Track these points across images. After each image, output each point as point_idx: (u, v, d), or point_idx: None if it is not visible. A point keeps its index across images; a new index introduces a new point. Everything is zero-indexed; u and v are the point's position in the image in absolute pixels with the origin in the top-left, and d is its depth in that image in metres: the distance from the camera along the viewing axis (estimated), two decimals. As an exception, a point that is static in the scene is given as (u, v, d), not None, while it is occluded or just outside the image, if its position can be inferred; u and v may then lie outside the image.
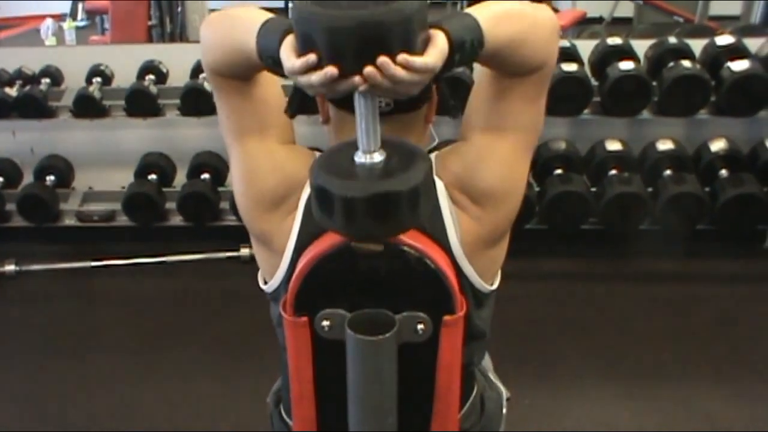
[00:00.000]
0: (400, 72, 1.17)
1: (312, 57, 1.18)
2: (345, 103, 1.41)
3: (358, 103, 1.26)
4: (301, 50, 1.21)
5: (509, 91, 1.47)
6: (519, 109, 1.49)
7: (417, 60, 1.18)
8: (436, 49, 1.22)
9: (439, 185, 1.50)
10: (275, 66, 1.29)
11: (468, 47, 1.27)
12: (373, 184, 1.25)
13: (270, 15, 1.36)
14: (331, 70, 1.17)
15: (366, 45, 1.18)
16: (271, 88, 1.53)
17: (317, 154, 1.57)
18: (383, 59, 1.17)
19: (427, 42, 1.22)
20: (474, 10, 1.32)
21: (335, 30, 1.17)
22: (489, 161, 1.50)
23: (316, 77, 1.19)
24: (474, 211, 1.51)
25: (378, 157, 1.29)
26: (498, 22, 1.33)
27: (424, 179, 1.27)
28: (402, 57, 1.17)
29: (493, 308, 1.67)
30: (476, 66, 1.45)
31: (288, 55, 1.23)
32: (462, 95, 1.57)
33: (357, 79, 1.18)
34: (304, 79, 1.21)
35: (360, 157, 1.30)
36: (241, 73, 1.46)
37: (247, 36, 1.33)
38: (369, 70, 1.17)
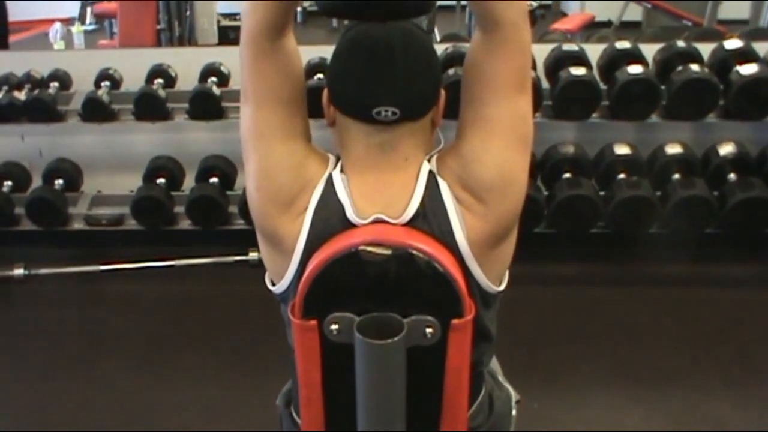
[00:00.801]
0: None
1: None
2: (349, 111, 1.49)
3: None
4: None
5: (491, 77, 1.50)
6: (503, 95, 1.51)
7: None
8: None
9: (443, 185, 1.52)
10: None
11: None
12: None
13: None
14: None
15: None
16: (301, 79, 1.58)
17: (331, 156, 1.60)
18: None
19: None
20: None
21: None
22: (484, 154, 1.52)
23: None
24: (478, 208, 1.52)
25: None
26: None
27: None
28: None
29: (498, 308, 1.68)
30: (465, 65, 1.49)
31: None
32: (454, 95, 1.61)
33: None
34: None
35: None
36: (282, 14, 1.48)
37: None
38: None
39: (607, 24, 8.15)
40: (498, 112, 1.51)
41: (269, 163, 1.55)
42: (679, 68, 4.13)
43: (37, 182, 4.71)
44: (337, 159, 1.60)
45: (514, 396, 1.91)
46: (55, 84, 4.68)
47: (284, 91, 1.54)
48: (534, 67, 4.05)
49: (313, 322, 1.46)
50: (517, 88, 1.52)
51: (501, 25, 1.45)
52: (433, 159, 1.60)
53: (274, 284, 1.63)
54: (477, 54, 1.52)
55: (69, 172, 4.72)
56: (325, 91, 1.58)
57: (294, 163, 1.55)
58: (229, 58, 4.55)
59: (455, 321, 1.44)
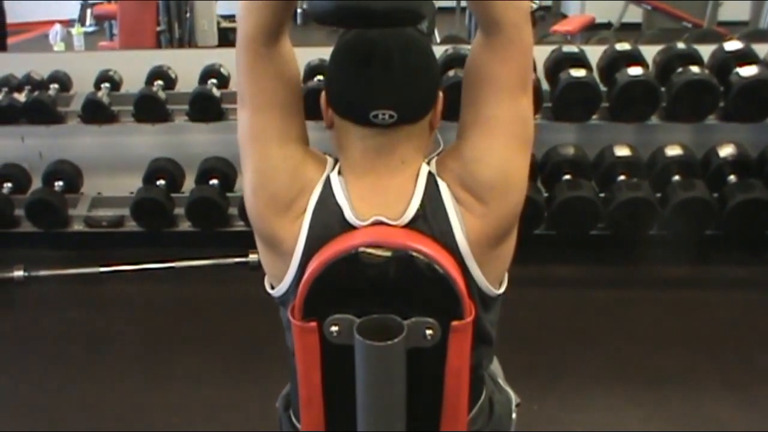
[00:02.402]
0: None
1: None
2: (347, 113, 1.49)
3: None
4: None
5: (493, 79, 1.50)
6: (505, 97, 1.51)
7: None
8: None
9: (443, 186, 1.52)
10: None
11: None
12: None
13: None
14: None
15: None
16: (297, 89, 1.58)
17: (329, 158, 1.60)
18: None
19: None
20: None
21: None
22: (484, 154, 1.52)
23: None
24: (478, 208, 1.52)
25: None
26: None
27: None
28: None
29: (498, 312, 1.68)
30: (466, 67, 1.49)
31: None
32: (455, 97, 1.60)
33: None
34: None
35: None
36: (279, 15, 1.48)
37: None
38: None
39: (607, 26, 8.17)
40: (499, 113, 1.51)
41: (266, 166, 1.55)
42: (679, 70, 4.13)
43: (37, 184, 4.72)
44: (335, 161, 1.60)
45: (514, 399, 1.90)
46: (55, 86, 4.69)
47: (280, 96, 1.54)
48: (534, 69, 4.05)
49: (313, 324, 1.46)
50: (519, 89, 1.52)
51: (502, 27, 1.45)
52: (433, 161, 1.60)
53: (273, 288, 1.63)
54: (478, 55, 1.52)
55: (69, 173, 4.72)
56: (323, 93, 1.58)
57: (290, 167, 1.55)
58: (229, 60, 4.49)
59: (455, 323, 1.44)
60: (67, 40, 8.77)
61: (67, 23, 9.23)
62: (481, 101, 1.52)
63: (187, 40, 6.40)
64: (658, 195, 4.18)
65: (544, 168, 4.30)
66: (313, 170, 1.56)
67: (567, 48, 4.51)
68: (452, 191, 1.52)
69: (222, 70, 4.56)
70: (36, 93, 4.56)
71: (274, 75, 1.52)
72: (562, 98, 4.12)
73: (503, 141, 1.52)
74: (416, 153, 1.56)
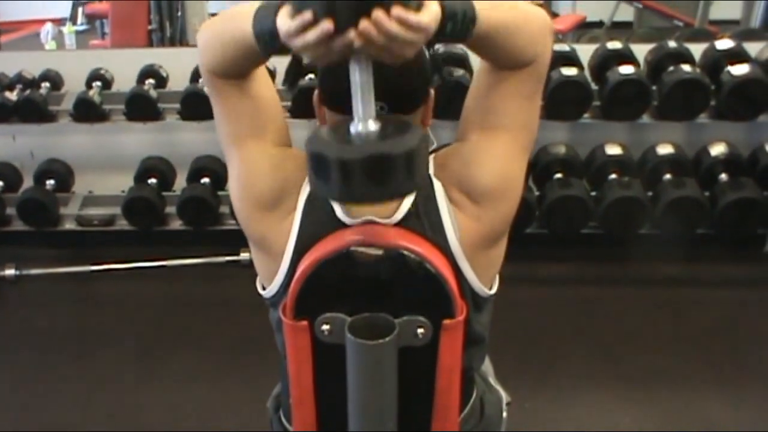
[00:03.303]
0: (395, 27, 1.18)
1: (308, 14, 1.19)
2: (340, 105, 1.44)
3: (354, 71, 1.27)
4: (296, 11, 1.22)
5: (504, 90, 1.48)
6: (514, 107, 1.50)
7: (411, 16, 1.19)
8: (430, 11, 1.22)
9: (437, 186, 1.51)
10: (272, 43, 1.30)
11: (460, 18, 1.28)
12: (369, 147, 1.26)
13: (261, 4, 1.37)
14: (326, 24, 1.17)
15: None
16: (267, 92, 1.55)
17: None
18: (379, 13, 1.17)
19: (420, 7, 1.22)
20: None
21: None
22: (486, 159, 1.51)
23: (312, 34, 1.19)
24: (473, 210, 1.51)
25: (373, 125, 1.30)
26: (492, 6, 1.35)
27: (418, 144, 1.27)
28: (397, 11, 1.17)
29: (491, 314, 1.68)
30: (473, 68, 1.47)
31: (284, 20, 1.23)
32: (461, 98, 1.58)
33: (352, 34, 1.18)
34: (300, 41, 1.22)
35: (355, 126, 1.30)
36: (238, 69, 1.47)
37: (243, 24, 1.34)
38: (364, 24, 1.18)
39: (599, 24, 8.17)
40: (507, 121, 1.51)
41: (246, 170, 1.56)
42: (671, 68, 4.13)
43: (28, 182, 4.72)
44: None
45: (505, 398, 1.90)
46: (46, 84, 4.67)
47: (248, 106, 1.54)
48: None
49: (305, 323, 1.46)
50: (531, 97, 1.52)
51: (531, 61, 1.46)
52: (431, 160, 1.59)
53: (264, 288, 1.63)
54: (493, 71, 1.49)
55: (60, 172, 4.72)
56: (316, 92, 1.57)
57: (270, 168, 1.54)
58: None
59: (447, 321, 1.44)
60: (59, 38, 8.74)
61: (59, 22, 9.19)
62: (490, 108, 1.51)
63: (178, 38, 6.37)
64: (650, 194, 4.18)
65: (536, 167, 4.30)
66: (296, 169, 1.54)
67: (558, 47, 4.50)
68: (447, 191, 1.51)
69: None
70: (27, 92, 4.54)
71: (239, 93, 1.51)
72: (553, 97, 4.12)
73: (506, 147, 1.52)
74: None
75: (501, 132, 1.51)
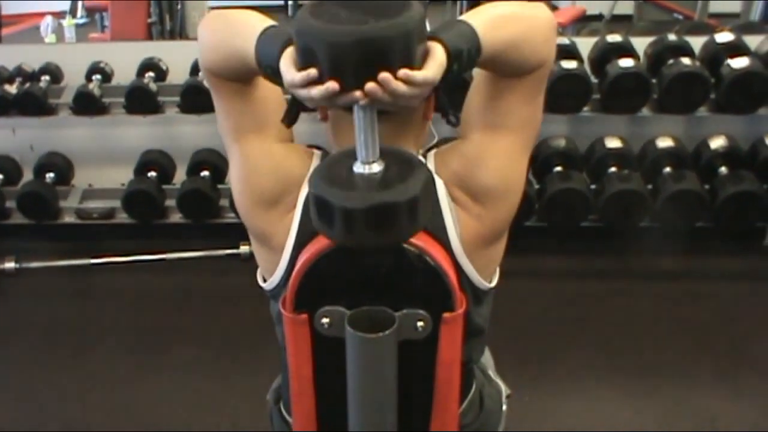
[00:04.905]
0: (401, 87, 1.18)
1: (312, 72, 1.19)
2: None
3: (357, 115, 1.27)
4: (302, 64, 1.22)
5: (508, 90, 1.48)
6: (518, 106, 1.50)
7: (417, 74, 1.19)
8: (435, 62, 1.23)
9: (439, 183, 1.50)
10: (274, 76, 1.29)
11: (465, 56, 1.28)
12: (372, 195, 1.26)
13: (269, 21, 1.36)
14: (332, 86, 1.18)
15: (367, 60, 1.18)
16: (268, 88, 1.53)
17: (315, 151, 1.59)
18: (385, 75, 1.17)
19: (425, 54, 1.23)
20: (470, 16, 1.34)
21: (336, 45, 1.17)
22: (489, 159, 1.50)
23: (316, 92, 1.19)
24: (474, 209, 1.51)
25: (377, 167, 1.30)
26: (494, 27, 1.34)
27: (422, 189, 1.27)
28: (403, 72, 1.18)
29: (491, 306, 1.68)
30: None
31: (288, 67, 1.23)
32: (462, 95, 1.57)
33: (358, 93, 1.19)
34: (303, 92, 1.22)
35: (359, 168, 1.30)
36: (238, 78, 1.47)
37: (246, 43, 1.33)
38: (370, 86, 1.18)
39: (599, 17, 8.13)
40: (511, 121, 1.50)
41: (247, 166, 1.56)
42: (670, 62, 4.13)
43: (28, 176, 4.71)
44: (325, 154, 1.59)
45: (504, 391, 1.90)
46: (46, 77, 4.66)
47: (247, 115, 1.54)
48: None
49: (304, 316, 1.45)
50: (535, 96, 1.52)
51: (537, 68, 1.46)
52: (430, 155, 1.58)
53: (265, 281, 1.63)
54: (498, 77, 1.49)
55: (60, 165, 4.71)
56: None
57: (272, 164, 1.54)
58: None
59: (446, 314, 1.43)
60: (59, 31, 8.71)
61: (59, 15, 9.17)
62: (493, 108, 1.50)
63: (178, 31, 6.38)
64: (650, 187, 4.18)
65: (536, 160, 4.29)
66: (298, 165, 1.54)
67: (558, 40, 4.48)
68: (448, 189, 1.51)
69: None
70: (27, 85, 4.53)
71: (240, 90, 1.52)
72: (553, 90, 4.10)
73: (509, 147, 1.51)
74: (409, 144, 1.54)
75: (504, 132, 1.50)
